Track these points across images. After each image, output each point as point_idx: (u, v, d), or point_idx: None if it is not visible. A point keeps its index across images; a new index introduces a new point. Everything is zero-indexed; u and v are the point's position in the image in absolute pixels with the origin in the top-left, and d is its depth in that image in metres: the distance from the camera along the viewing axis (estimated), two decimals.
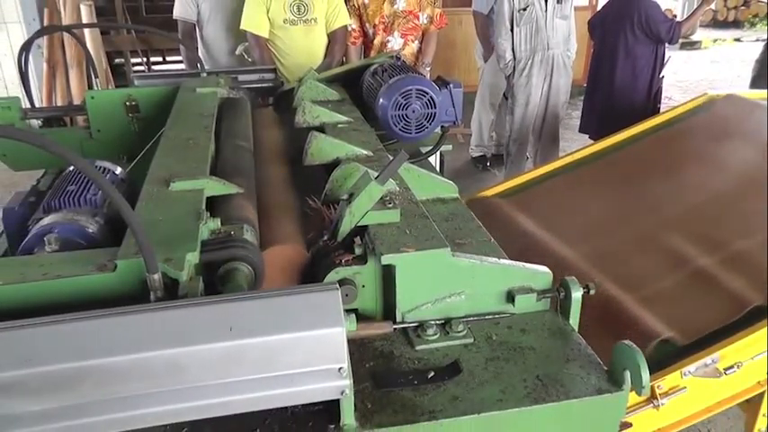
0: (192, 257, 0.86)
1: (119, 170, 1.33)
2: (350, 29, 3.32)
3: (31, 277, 0.82)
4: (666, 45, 3.73)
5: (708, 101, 2.59)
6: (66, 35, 4.10)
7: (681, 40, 6.85)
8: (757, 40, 4.66)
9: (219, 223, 1.00)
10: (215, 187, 1.10)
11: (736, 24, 9.84)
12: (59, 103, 4.12)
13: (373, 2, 3.39)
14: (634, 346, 0.86)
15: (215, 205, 1.09)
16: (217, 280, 0.91)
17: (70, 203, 1.12)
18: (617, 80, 3.70)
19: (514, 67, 3.74)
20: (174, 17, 3.30)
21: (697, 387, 1.42)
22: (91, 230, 1.05)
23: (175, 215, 0.98)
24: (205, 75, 1.92)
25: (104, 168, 1.31)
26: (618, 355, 0.88)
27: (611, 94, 3.72)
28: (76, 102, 4.06)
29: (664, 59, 3.74)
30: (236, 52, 3.16)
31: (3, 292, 0.80)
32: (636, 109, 3.58)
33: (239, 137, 1.47)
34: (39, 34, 3.25)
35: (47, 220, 1.06)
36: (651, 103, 3.73)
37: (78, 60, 4.16)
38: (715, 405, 1.49)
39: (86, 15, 4.10)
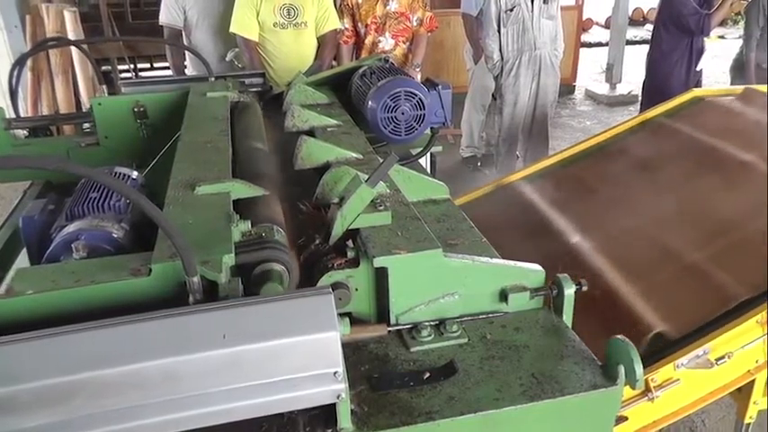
0: (229, 259, 0.86)
1: (135, 174, 1.32)
2: (342, 28, 3.34)
3: (63, 285, 0.81)
4: (702, 38, 3.80)
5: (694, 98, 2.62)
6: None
7: None
8: (740, 38, 4.73)
9: (250, 225, 0.99)
10: (241, 190, 1.10)
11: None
12: (45, 112, 4.08)
13: (366, 2, 3.41)
14: (627, 340, 0.87)
15: (239, 208, 1.08)
16: (251, 281, 0.90)
17: (94, 210, 1.11)
18: (654, 77, 3.79)
19: (502, 68, 3.76)
20: (160, 23, 3.28)
21: (690, 378, 1.43)
22: (117, 236, 1.03)
23: (205, 218, 0.97)
24: (213, 79, 1.92)
25: (122, 174, 1.30)
26: (611, 349, 0.88)
27: (652, 90, 3.80)
28: (62, 111, 4.02)
29: (701, 52, 3.78)
30: (227, 59, 3.14)
31: (35, 301, 0.79)
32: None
33: (255, 139, 1.47)
34: (36, 50, 3.21)
35: (72, 227, 1.04)
36: None
37: (64, 69, 4.12)
38: (708, 395, 1.50)
39: (71, 22, 4.05)
